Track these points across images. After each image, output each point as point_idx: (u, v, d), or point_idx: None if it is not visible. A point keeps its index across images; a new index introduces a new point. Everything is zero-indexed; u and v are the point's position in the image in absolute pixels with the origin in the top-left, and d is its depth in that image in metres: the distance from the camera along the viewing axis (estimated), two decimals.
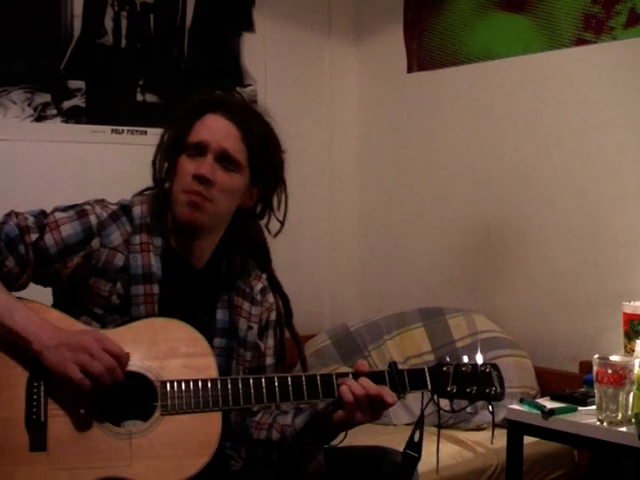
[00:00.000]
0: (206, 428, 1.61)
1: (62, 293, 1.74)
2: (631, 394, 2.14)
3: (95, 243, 1.70)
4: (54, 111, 2.98)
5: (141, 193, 1.83)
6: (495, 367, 1.73)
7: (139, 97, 3.19)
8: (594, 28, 2.91)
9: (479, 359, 1.74)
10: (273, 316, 1.91)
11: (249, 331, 1.85)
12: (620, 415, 2.14)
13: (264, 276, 1.91)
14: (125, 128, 3.14)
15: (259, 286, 1.89)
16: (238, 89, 3.40)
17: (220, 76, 3.38)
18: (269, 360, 1.90)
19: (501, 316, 3.19)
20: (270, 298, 1.90)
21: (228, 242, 1.85)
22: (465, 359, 1.73)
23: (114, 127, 3.11)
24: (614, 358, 2.17)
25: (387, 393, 1.65)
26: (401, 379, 1.69)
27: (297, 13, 3.60)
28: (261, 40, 3.47)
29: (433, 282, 3.47)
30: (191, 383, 1.61)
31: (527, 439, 2.37)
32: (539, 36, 3.07)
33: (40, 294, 1.72)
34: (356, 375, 1.68)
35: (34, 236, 1.67)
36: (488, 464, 2.66)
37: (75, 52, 3.02)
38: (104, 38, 3.09)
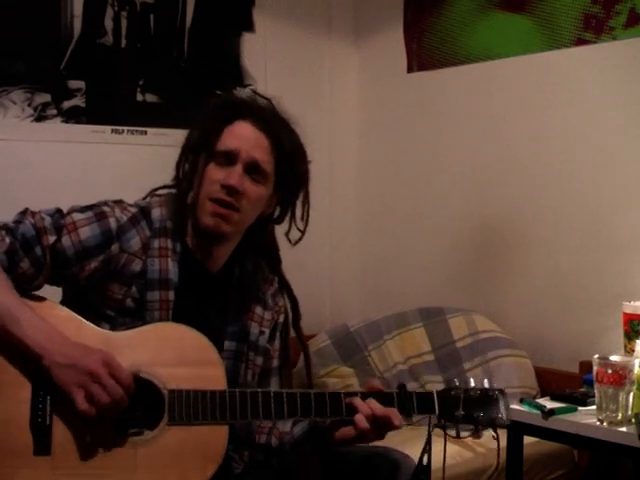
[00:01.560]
0: (212, 440, 1.59)
1: (74, 293, 1.72)
2: (631, 394, 2.14)
3: (115, 248, 1.67)
4: (54, 111, 2.98)
5: (153, 192, 1.81)
6: (502, 393, 1.71)
7: (139, 97, 3.19)
8: (594, 28, 2.91)
9: (487, 384, 1.72)
10: (281, 319, 1.90)
11: (261, 336, 1.83)
12: (620, 415, 2.14)
13: (276, 279, 1.89)
14: (125, 128, 3.14)
15: (271, 290, 1.88)
16: (238, 89, 3.40)
17: (220, 76, 3.38)
18: (275, 362, 1.89)
19: (501, 316, 3.19)
20: (280, 301, 1.89)
21: (243, 246, 1.83)
22: (472, 382, 1.71)
23: (114, 127, 3.11)
24: (614, 358, 2.17)
25: (394, 415, 1.63)
26: (409, 402, 1.67)
27: (297, 13, 3.60)
28: (261, 40, 3.47)
29: (433, 282, 3.47)
30: (199, 394, 1.59)
31: (527, 439, 2.37)
32: (539, 36, 3.07)
33: (48, 290, 1.71)
34: (365, 395, 1.66)
35: (51, 238, 1.64)
36: (488, 464, 2.66)
37: (75, 52, 3.02)
38: (104, 38, 3.09)
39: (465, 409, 1.67)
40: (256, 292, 1.84)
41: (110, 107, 3.12)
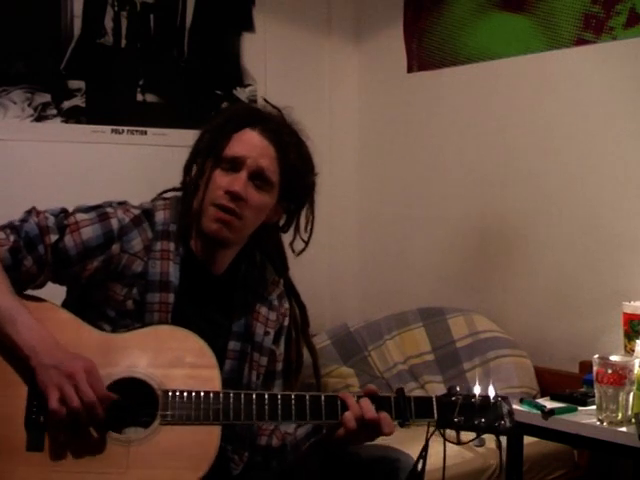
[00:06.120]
0: (205, 441, 1.59)
1: (77, 292, 1.73)
2: (631, 394, 2.14)
3: (115, 248, 1.69)
4: (54, 111, 2.98)
5: (161, 195, 1.81)
6: (506, 400, 1.67)
7: (139, 97, 3.19)
8: (594, 28, 2.91)
9: (491, 391, 1.68)
10: (286, 322, 1.90)
11: (266, 337, 1.83)
12: (620, 415, 2.14)
13: (281, 281, 1.90)
14: (125, 128, 3.14)
15: (277, 291, 1.88)
16: (238, 89, 3.41)
17: (220, 76, 3.38)
18: (279, 366, 1.88)
19: (501, 316, 3.19)
20: (286, 304, 1.89)
21: (248, 249, 1.84)
22: (477, 389, 1.67)
23: (114, 127, 3.11)
24: (614, 358, 2.17)
25: (385, 422, 1.62)
26: (407, 407, 1.65)
27: (297, 13, 3.60)
28: (261, 40, 3.47)
29: (433, 282, 3.47)
30: (193, 394, 1.60)
31: (527, 439, 2.37)
32: (539, 36, 3.07)
33: (50, 290, 1.71)
34: (361, 397, 1.65)
35: (53, 237, 1.66)
36: (488, 464, 2.66)
37: (75, 52, 3.02)
38: (104, 38, 3.09)
39: (465, 415, 1.64)
40: (261, 293, 1.85)
41: (110, 107, 3.12)
